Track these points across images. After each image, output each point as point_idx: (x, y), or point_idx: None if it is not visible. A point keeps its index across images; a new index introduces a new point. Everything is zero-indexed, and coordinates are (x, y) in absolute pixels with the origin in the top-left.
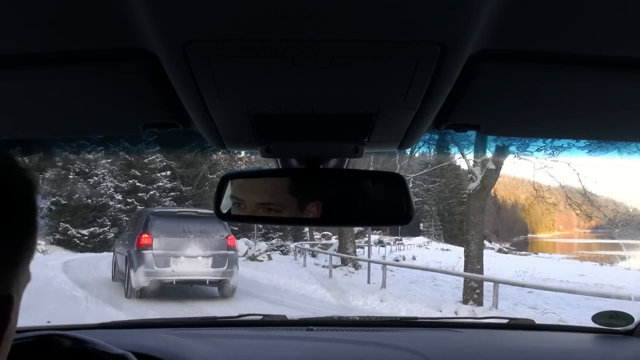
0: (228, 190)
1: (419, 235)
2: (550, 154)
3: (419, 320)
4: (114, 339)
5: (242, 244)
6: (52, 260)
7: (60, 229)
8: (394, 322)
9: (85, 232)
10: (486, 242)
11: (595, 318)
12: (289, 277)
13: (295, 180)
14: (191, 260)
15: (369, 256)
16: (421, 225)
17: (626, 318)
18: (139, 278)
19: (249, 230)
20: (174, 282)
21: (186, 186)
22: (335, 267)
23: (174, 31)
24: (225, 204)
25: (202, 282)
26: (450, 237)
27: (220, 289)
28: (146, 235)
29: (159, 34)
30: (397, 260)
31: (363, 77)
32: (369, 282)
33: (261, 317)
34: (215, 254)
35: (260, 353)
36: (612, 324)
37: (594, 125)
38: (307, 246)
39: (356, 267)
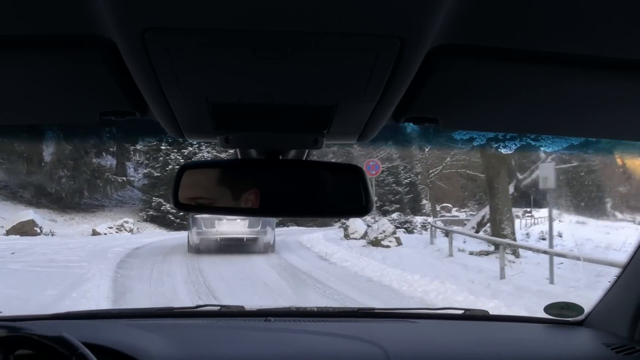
0: (187, 181)
1: (544, 207)
2: (505, 147)
3: (376, 311)
4: (68, 330)
5: (358, 224)
6: (127, 243)
7: (153, 204)
8: (352, 313)
9: None
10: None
11: (547, 309)
12: (439, 278)
13: (255, 171)
14: (231, 222)
15: (550, 245)
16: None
17: (576, 309)
18: (193, 237)
19: None
20: (218, 240)
21: None
22: (486, 254)
23: (131, 18)
24: (184, 194)
25: (240, 240)
26: (581, 208)
27: (255, 244)
28: None
29: (117, 21)
30: (544, 239)
31: (323, 69)
32: (551, 281)
33: (219, 307)
34: (250, 217)
35: (218, 343)
36: (562, 315)
37: (550, 121)
38: (439, 223)
39: (516, 254)
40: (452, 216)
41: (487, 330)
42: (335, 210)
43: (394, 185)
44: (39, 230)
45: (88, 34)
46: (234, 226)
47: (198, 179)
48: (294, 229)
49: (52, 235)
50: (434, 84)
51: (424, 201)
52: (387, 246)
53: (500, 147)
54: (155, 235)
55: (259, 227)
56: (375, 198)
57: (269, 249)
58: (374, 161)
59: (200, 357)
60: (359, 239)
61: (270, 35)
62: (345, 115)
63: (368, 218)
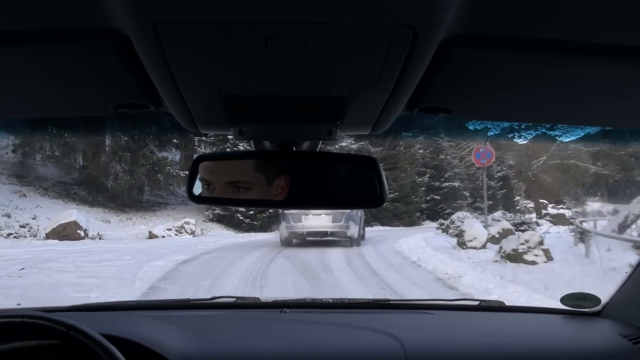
0: (201, 173)
1: None
2: (520, 137)
3: (391, 302)
4: (84, 321)
5: (477, 228)
6: (179, 250)
7: None
8: (367, 304)
9: None
10: None
11: (563, 299)
12: None
13: (269, 162)
14: (317, 217)
15: None
16: None
17: (593, 300)
18: (283, 231)
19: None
20: (305, 233)
21: (375, 147)
22: None
23: (144, 11)
24: (199, 187)
25: (325, 234)
26: None
27: (338, 237)
28: None
29: (130, 14)
30: None
31: (336, 60)
32: None
33: (234, 299)
34: (334, 213)
35: (233, 335)
36: (579, 305)
37: (565, 110)
38: (588, 226)
39: None
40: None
41: (503, 321)
42: (350, 201)
43: (486, 179)
44: (82, 234)
45: (102, 27)
46: (318, 221)
47: (213, 171)
48: (378, 229)
49: (99, 239)
50: (447, 73)
51: (517, 197)
52: (533, 262)
53: (516, 137)
54: (220, 238)
55: (342, 222)
56: (489, 193)
57: (354, 242)
58: (484, 148)
59: (216, 348)
60: (480, 248)
61: (282, 27)
62: (358, 106)
63: (482, 219)
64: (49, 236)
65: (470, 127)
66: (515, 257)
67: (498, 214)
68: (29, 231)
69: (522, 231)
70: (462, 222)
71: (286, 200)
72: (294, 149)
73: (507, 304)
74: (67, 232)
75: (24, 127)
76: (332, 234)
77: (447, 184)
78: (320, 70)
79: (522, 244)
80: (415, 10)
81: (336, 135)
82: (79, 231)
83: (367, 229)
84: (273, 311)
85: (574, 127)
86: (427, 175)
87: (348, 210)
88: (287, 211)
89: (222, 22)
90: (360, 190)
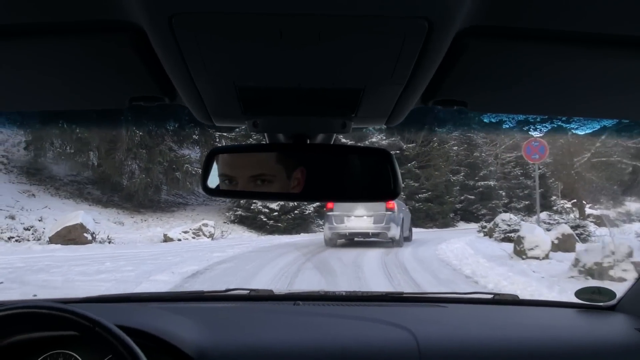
0: (222, 168)
1: None
2: (536, 130)
3: (404, 295)
4: (100, 313)
5: (538, 233)
6: (192, 258)
7: (242, 201)
8: (380, 297)
9: (275, 205)
10: None
11: (578, 293)
12: None
13: (282, 155)
14: (358, 218)
15: None
16: None
17: (608, 294)
18: (326, 232)
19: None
20: (347, 234)
21: (407, 143)
22: None
23: (159, 4)
24: (213, 180)
25: (366, 235)
26: None
27: (379, 238)
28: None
29: (145, 6)
30: None
31: (350, 52)
32: None
33: (248, 291)
34: (376, 214)
35: (247, 327)
36: (594, 299)
37: (581, 103)
38: None
39: None
40: None
41: (516, 315)
42: (364, 194)
43: (521, 178)
44: (89, 237)
45: (117, 20)
46: (360, 222)
47: (227, 164)
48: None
49: (108, 242)
50: (463, 66)
51: (553, 197)
52: (621, 279)
53: (531, 129)
54: (240, 241)
55: (384, 223)
56: (525, 193)
57: (395, 243)
58: (537, 142)
59: (230, 340)
60: (542, 258)
61: (297, 19)
62: (373, 99)
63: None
64: (52, 240)
65: (485, 120)
66: (599, 272)
67: (544, 215)
68: (32, 234)
69: (579, 236)
70: (509, 225)
71: (302, 193)
72: (308, 142)
73: None
74: (72, 236)
75: (36, 122)
76: (374, 235)
77: (482, 182)
78: (334, 62)
79: (606, 256)
80: (431, 2)
81: (350, 127)
82: (85, 234)
83: None
84: (286, 303)
85: (590, 120)
86: (462, 173)
87: (389, 212)
88: (330, 213)
89: (237, 14)
90: (374, 183)
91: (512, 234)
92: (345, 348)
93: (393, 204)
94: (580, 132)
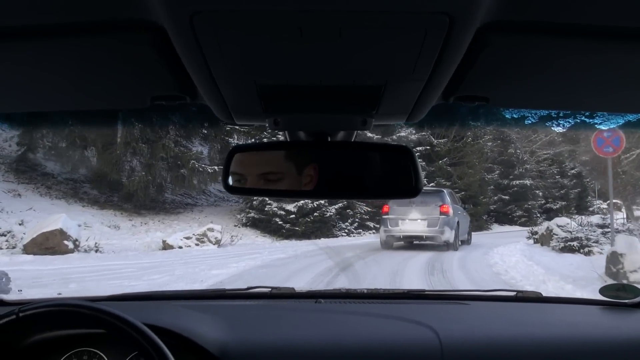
0: (237, 163)
1: None
2: (559, 125)
3: (426, 292)
4: (125, 310)
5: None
6: (184, 278)
7: (255, 202)
8: (402, 295)
9: (291, 207)
10: None
11: (603, 290)
12: None
13: (304, 152)
14: (413, 222)
15: None
16: None
17: (634, 291)
18: (382, 234)
19: None
20: (402, 237)
21: (438, 138)
22: None
23: (180, 2)
24: (235, 178)
25: (420, 238)
26: None
27: (433, 241)
28: (386, 205)
29: (166, 5)
30: None
31: (371, 48)
32: None
33: (269, 289)
34: (430, 218)
35: (268, 324)
36: (619, 297)
37: (604, 97)
38: None
39: None
40: None
41: (540, 312)
42: (386, 191)
43: (558, 177)
44: (71, 245)
45: (137, 18)
46: (414, 226)
47: (249, 162)
48: None
49: (95, 251)
50: (484, 61)
51: (589, 197)
52: None
53: (554, 125)
54: (250, 250)
55: (437, 227)
56: (562, 193)
57: (450, 247)
58: (610, 132)
59: (252, 338)
60: None
61: (317, 15)
62: (394, 95)
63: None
64: (27, 249)
65: (506, 116)
66: None
67: (596, 218)
68: (7, 242)
69: None
70: (571, 232)
71: (322, 190)
72: (329, 139)
73: None
74: (50, 244)
75: (33, 119)
76: (428, 238)
77: (517, 182)
78: (355, 59)
79: None
80: None
81: (371, 125)
82: (66, 242)
83: None
84: (308, 301)
85: (614, 115)
86: (496, 172)
87: (443, 216)
88: (385, 216)
89: (257, 12)
90: (395, 180)
91: (574, 243)
92: (367, 346)
93: (447, 208)
94: (604, 127)
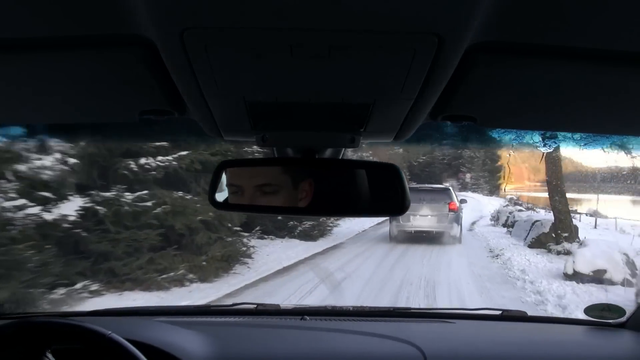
0: (229, 178)
1: None
2: (545, 146)
3: (412, 310)
4: (107, 326)
5: None
6: None
7: None
8: (388, 313)
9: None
10: None
11: (587, 310)
12: None
13: (291, 169)
14: (423, 217)
15: None
16: None
17: (618, 311)
18: (393, 229)
19: None
20: (413, 232)
21: None
22: None
23: (171, 18)
24: (221, 193)
25: (429, 232)
26: None
27: (442, 236)
28: None
29: (156, 21)
30: None
31: (360, 67)
32: None
33: (255, 305)
34: (439, 214)
35: (254, 341)
36: (603, 316)
37: (591, 119)
38: None
39: None
40: None
41: (525, 332)
42: (373, 209)
43: None
44: None
45: (127, 33)
46: (424, 221)
47: (235, 177)
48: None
49: None
50: (472, 81)
51: None
52: None
53: (540, 145)
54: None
55: (446, 223)
56: None
57: (456, 241)
58: None
59: (237, 355)
60: None
61: (308, 34)
62: (382, 114)
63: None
64: None
65: (494, 136)
66: None
67: None
68: None
69: None
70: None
71: (310, 207)
72: (317, 156)
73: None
74: None
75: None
76: (437, 233)
77: None
78: (344, 78)
79: None
80: (441, 18)
81: (359, 142)
82: None
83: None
84: (293, 318)
85: (601, 136)
86: None
87: (452, 213)
88: None
89: (248, 30)
90: (382, 198)
91: None
92: None
93: (455, 205)
94: (589, 149)
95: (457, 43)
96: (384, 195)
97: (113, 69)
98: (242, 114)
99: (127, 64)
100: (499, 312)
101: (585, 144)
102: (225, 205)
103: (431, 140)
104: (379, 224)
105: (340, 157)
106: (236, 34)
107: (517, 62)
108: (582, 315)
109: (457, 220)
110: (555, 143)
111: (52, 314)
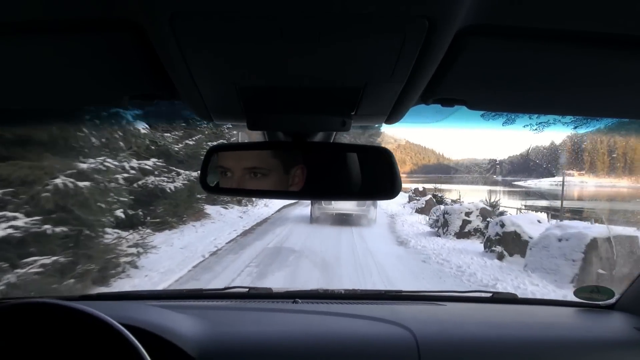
0: (215, 163)
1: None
2: (535, 129)
3: (403, 293)
4: (99, 310)
5: None
6: None
7: None
8: (379, 295)
9: None
10: None
11: (577, 292)
12: None
13: (282, 153)
14: (344, 201)
15: None
16: None
17: (607, 292)
18: (314, 211)
19: None
20: (334, 214)
21: None
22: None
23: (160, 2)
24: (212, 177)
25: (349, 215)
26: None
27: (360, 219)
28: None
29: (146, 5)
30: None
31: (351, 51)
32: None
33: (247, 289)
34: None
35: (246, 325)
36: (593, 298)
37: (581, 102)
38: None
39: None
40: None
41: (515, 313)
42: (364, 192)
43: None
44: None
45: (117, 18)
46: (345, 205)
47: (226, 161)
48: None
49: None
50: (463, 64)
51: None
52: None
53: (531, 127)
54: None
55: (365, 207)
56: None
57: (371, 222)
58: None
59: (229, 338)
60: None
61: (297, 17)
62: (373, 97)
63: None
64: None
65: (484, 119)
66: None
67: None
68: None
69: None
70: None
71: (302, 191)
72: (308, 140)
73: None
74: None
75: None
76: (356, 216)
77: None
78: (335, 61)
79: None
80: (431, 1)
81: (350, 126)
82: None
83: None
84: (285, 301)
85: (592, 119)
86: None
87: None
88: None
89: (238, 13)
90: (374, 182)
91: None
92: (345, 346)
93: None
94: (580, 131)
95: (447, 26)
96: (375, 178)
97: (102, 53)
98: (233, 97)
99: (117, 48)
100: (490, 294)
101: (575, 127)
102: (216, 189)
103: (422, 123)
104: (285, 206)
105: (331, 141)
106: (226, 18)
107: (507, 45)
108: (563, 294)
109: (374, 204)
110: (546, 126)
111: (43, 298)
